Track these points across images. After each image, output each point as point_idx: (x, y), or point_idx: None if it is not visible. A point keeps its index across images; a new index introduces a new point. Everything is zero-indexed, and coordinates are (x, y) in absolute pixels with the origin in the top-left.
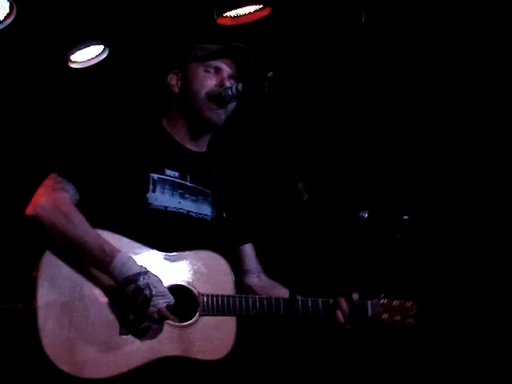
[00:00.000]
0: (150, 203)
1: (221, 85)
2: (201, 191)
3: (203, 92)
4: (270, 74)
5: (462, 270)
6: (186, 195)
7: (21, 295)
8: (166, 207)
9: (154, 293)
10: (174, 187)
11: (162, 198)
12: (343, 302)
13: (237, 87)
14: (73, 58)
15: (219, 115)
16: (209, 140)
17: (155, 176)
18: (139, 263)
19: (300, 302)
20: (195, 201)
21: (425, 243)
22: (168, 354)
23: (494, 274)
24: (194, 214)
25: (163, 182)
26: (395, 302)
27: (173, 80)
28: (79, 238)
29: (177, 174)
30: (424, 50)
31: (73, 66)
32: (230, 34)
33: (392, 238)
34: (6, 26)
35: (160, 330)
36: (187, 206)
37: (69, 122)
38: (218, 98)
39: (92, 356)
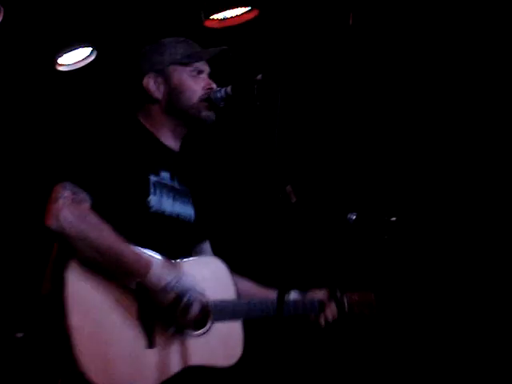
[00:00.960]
0: (151, 207)
1: (211, 89)
2: (185, 192)
3: (195, 98)
4: (259, 76)
5: (450, 269)
6: (177, 197)
7: (43, 314)
8: (164, 211)
9: (192, 298)
10: (168, 190)
11: (160, 202)
12: (332, 302)
13: (226, 90)
14: (60, 60)
15: (211, 116)
16: (182, 139)
17: (153, 178)
18: None
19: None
20: (182, 202)
21: (412, 244)
22: (191, 363)
23: (483, 274)
24: (183, 218)
25: (160, 184)
26: (358, 296)
27: (151, 84)
28: (112, 248)
29: (168, 175)
30: (411, 50)
31: (60, 68)
32: (218, 36)
33: (380, 239)
34: None
35: (182, 341)
36: (178, 208)
37: (58, 125)
38: (208, 100)
39: (124, 371)
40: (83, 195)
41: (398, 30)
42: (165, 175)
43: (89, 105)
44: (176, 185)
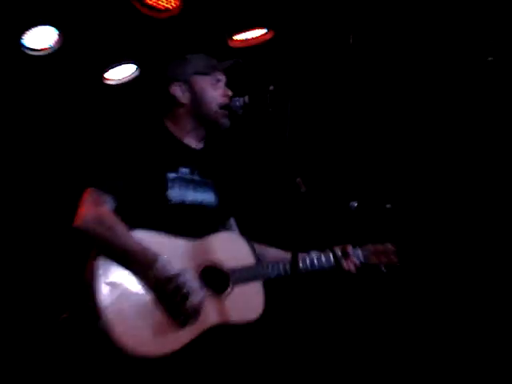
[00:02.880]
0: (170, 200)
1: (228, 95)
2: (206, 182)
3: (215, 104)
4: (272, 87)
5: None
6: (197, 188)
7: (75, 299)
8: (184, 201)
9: (187, 291)
10: (187, 182)
11: (179, 194)
12: (351, 252)
13: (244, 99)
14: (107, 75)
15: (226, 123)
16: (205, 139)
17: (171, 175)
18: (176, 257)
19: (308, 260)
20: (204, 191)
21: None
22: (212, 324)
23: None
24: (206, 203)
25: (178, 179)
26: (378, 246)
27: (177, 91)
28: (123, 246)
29: (188, 170)
30: (404, 67)
31: (108, 82)
32: (239, 54)
33: (377, 223)
34: (55, 51)
35: (201, 308)
36: (200, 196)
37: (100, 134)
38: (227, 107)
39: (153, 339)
40: (105, 198)
41: (391, 47)
42: (184, 170)
43: (127, 115)
44: (196, 177)
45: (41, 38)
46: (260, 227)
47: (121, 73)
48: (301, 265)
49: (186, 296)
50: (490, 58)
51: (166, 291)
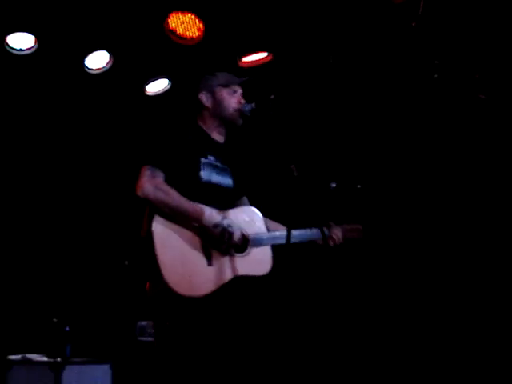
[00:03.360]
0: (201, 178)
1: (240, 102)
2: (226, 169)
3: (231, 108)
4: (272, 96)
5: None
6: (219, 172)
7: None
8: (210, 181)
9: (233, 229)
10: (213, 167)
11: (207, 175)
12: (333, 229)
13: (251, 105)
14: (147, 88)
15: (240, 121)
16: (226, 135)
17: (203, 160)
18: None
19: (305, 232)
20: (223, 176)
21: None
22: (238, 273)
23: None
24: (224, 185)
25: (207, 164)
26: (349, 226)
27: (204, 98)
28: (178, 205)
29: (213, 158)
30: (378, 82)
31: (148, 93)
32: (248, 72)
33: (351, 201)
34: (106, 70)
35: (231, 260)
36: (220, 179)
37: (145, 132)
38: (239, 111)
39: (196, 282)
40: (158, 172)
41: (365, 65)
42: (211, 158)
43: (165, 115)
44: (219, 164)
45: (98, 60)
46: (264, 204)
47: (157, 86)
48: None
49: (231, 234)
50: (436, 62)
51: (215, 234)
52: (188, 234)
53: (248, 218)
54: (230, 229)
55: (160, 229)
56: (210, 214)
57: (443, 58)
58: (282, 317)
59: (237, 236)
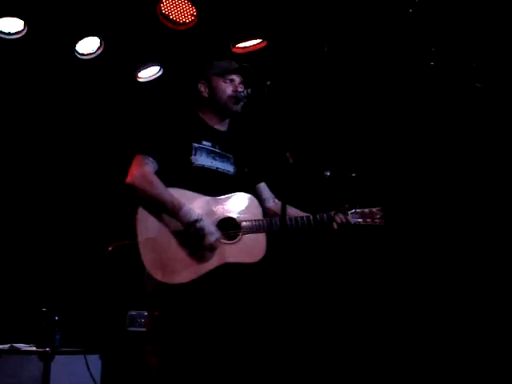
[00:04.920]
0: (193, 163)
1: (236, 90)
2: (226, 156)
3: (226, 94)
4: (268, 82)
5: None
6: (216, 157)
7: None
8: (203, 165)
9: (205, 232)
10: (208, 152)
11: (200, 159)
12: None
13: (247, 91)
14: (139, 74)
15: (237, 108)
16: (228, 124)
17: (195, 145)
18: (198, 209)
19: (305, 219)
20: (222, 161)
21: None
22: (226, 261)
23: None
24: (221, 170)
25: (201, 149)
26: (366, 210)
27: (202, 88)
28: (159, 197)
29: (210, 144)
30: (371, 71)
31: (140, 80)
32: (241, 58)
33: (344, 189)
34: (97, 56)
35: (221, 248)
36: (217, 164)
37: (136, 119)
38: (235, 98)
39: (176, 269)
40: (147, 160)
41: (360, 54)
42: (206, 143)
43: (157, 102)
44: (217, 150)
45: (89, 45)
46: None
47: (149, 72)
48: (291, 222)
49: (203, 236)
50: (433, 49)
51: (189, 232)
52: (172, 223)
53: (242, 205)
54: (200, 232)
55: (144, 215)
56: (186, 212)
57: (440, 46)
58: (270, 305)
59: (210, 239)
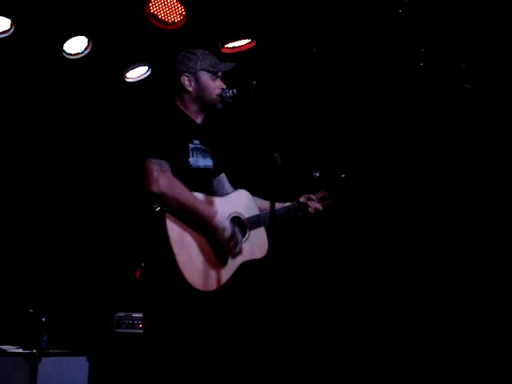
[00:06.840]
0: (191, 165)
1: (222, 88)
2: (207, 151)
3: (214, 93)
4: (255, 82)
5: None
6: (204, 155)
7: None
8: (199, 166)
9: (238, 238)
10: (199, 151)
11: (195, 160)
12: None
13: (233, 91)
14: (127, 74)
15: (220, 106)
16: (204, 117)
17: (191, 146)
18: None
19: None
20: (205, 157)
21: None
22: (243, 260)
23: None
24: (208, 167)
25: (195, 149)
26: (319, 194)
27: (186, 81)
28: (191, 204)
29: (198, 141)
30: (360, 72)
31: (127, 80)
32: (230, 58)
33: (333, 189)
34: (84, 56)
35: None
36: (205, 162)
37: (125, 119)
38: (221, 96)
39: (209, 276)
40: (165, 165)
41: (348, 54)
42: (196, 142)
43: (146, 102)
44: (202, 147)
45: (77, 45)
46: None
47: (137, 72)
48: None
49: (238, 241)
50: (422, 50)
51: (223, 238)
52: (198, 232)
53: (245, 202)
54: (236, 236)
55: (174, 228)
56: (221, 220)
57: (429, 47)
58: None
59: (240, 244)
